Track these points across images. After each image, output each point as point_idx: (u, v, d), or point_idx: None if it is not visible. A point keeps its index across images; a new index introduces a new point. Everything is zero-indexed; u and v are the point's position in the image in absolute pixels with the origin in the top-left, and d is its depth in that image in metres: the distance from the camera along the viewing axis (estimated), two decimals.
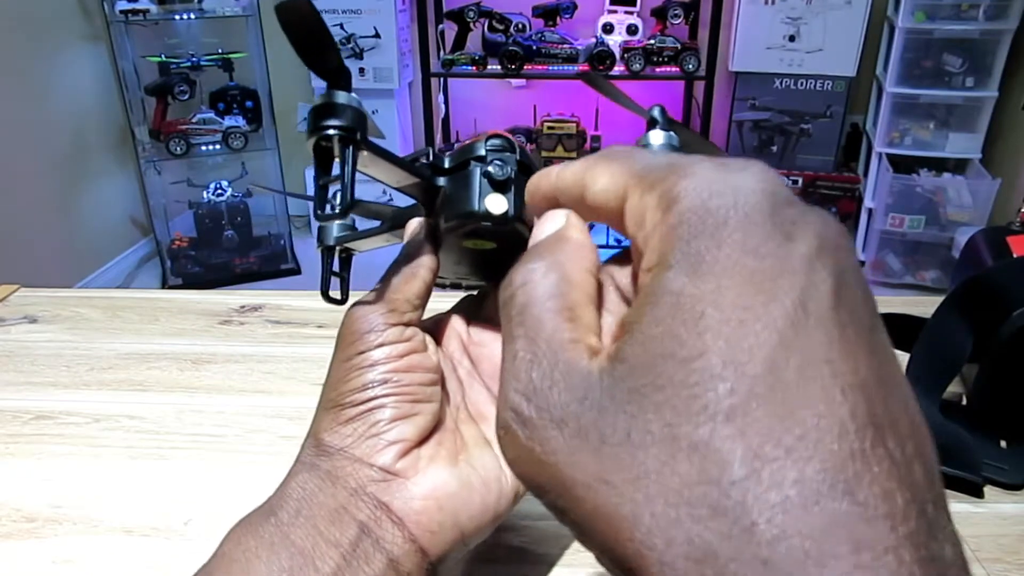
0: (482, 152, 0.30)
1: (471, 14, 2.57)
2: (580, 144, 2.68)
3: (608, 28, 2.58)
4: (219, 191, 2.68)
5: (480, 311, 0.36)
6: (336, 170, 0.26)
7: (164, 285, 2.68)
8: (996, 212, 2.35)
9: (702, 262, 0.15)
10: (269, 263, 2.74)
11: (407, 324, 0.31)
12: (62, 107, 2.41)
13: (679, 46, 2.48)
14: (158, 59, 2.52)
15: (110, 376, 0.55)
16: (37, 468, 0.45)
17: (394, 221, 0.34)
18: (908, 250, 2.53)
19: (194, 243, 2.73)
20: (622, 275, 0.20)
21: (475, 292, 0.37)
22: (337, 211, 0.26)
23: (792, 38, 2.53)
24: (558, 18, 2.60)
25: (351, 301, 0.32)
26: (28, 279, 0.70)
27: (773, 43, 2.56)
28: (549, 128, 2.67)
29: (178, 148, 2.54)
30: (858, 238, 2.68)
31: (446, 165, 0.31)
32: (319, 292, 0.35)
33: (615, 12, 2.59)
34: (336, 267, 0.37)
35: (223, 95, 2.63)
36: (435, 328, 0.35)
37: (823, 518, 0.12)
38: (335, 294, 0.34)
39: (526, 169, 0.31)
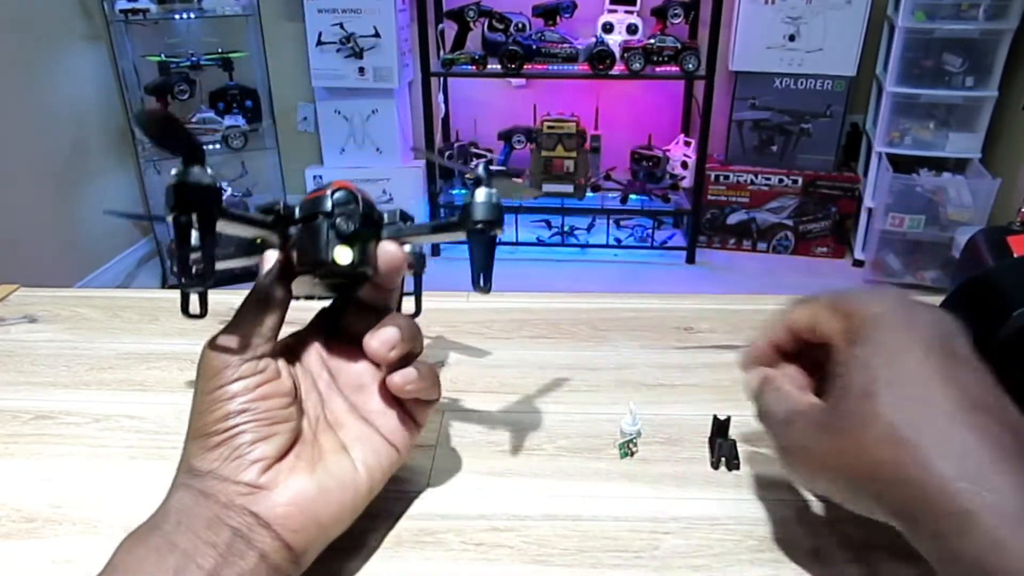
0: (328, 207, 0.34)
1: (471, 13, 2.57)
2: (580, 143, 2.68)
3: (608, 27, 2.58)
4: None
5: (336, 325, 0.39)
6: (196, 239, 0.30)
7: (164, 285, 2.69)
8: (996, 212, 2.35)
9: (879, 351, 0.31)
10: None
11: (260, 357, 0.34)
12: (62, 107, 2.42)
13: (679, 46, 2.48)
14: (158, 59, 2.52)
15: (110, 376, 0.55)
16: (37, 468, 0.45)
17: (249, 249, 0.38)
18: (908, 250, 2.53)
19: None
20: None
21: (328, 305, 0.40)
22: (197, 279, 0.30)
23: (792, 38, 2.53)
24: (558, 17, 2.60)
25: (209, 334, 0.34)
26: (28, 279, 0.70)
27: (773, 43, 2.56)
28: (549, 128, 2.66)
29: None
30: (858, 238, 2.68)
31: (296, 215, 0.35)
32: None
33: (615, 11, 2.59)
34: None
35: (223, 95, 2.64)
36: (295, 345, 0.38)
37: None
38: (194, 310, 0.34)
39: (368, 220, 0.35)
